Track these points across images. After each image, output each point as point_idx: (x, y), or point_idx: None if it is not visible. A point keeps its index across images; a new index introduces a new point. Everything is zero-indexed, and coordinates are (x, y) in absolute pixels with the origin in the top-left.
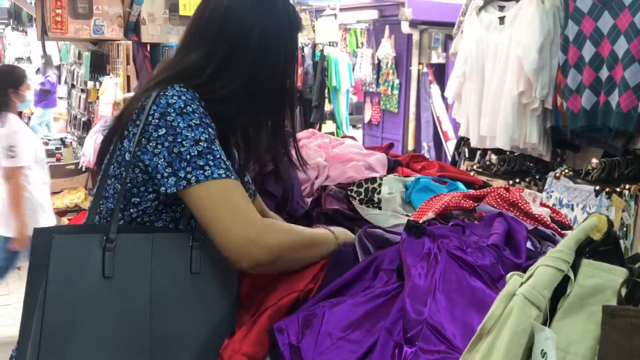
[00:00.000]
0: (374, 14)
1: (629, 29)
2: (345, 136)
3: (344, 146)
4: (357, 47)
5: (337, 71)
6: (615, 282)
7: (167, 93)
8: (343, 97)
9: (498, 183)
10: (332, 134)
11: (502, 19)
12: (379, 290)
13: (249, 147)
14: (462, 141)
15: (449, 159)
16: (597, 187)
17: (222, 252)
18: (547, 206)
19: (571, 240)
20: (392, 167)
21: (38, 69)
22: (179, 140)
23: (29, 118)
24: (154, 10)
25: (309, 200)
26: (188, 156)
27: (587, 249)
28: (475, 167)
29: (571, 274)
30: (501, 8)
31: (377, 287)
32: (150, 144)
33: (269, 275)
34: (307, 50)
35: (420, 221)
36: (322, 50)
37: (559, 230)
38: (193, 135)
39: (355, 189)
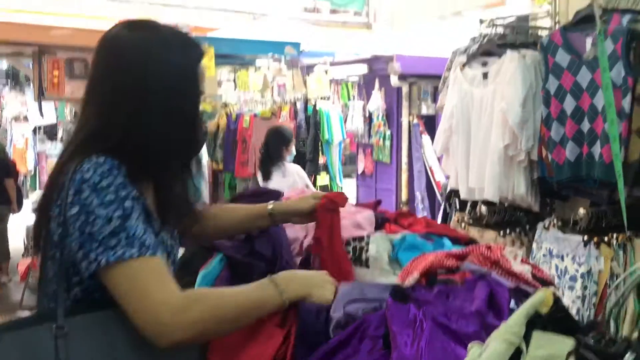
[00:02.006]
0: (363, 69)
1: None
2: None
3: None
4: (349, 99)
5: (329, 124)
6: (564, 352)
7: (82, 167)
8: (335, 150)
9: (489, 234)
10: (326, 186)
11: (485, 75)
12: None
13: (164, 204)
14: (452, 193)
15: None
16: (586, 237)
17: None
18: (529, 263)
19: (521, 315)
20: (380, 224)
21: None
22: (91, 219)
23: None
24: None
25: (298, 259)
26: (100, 236)
27: (540, 321)
28: (466, 218)
29: (523, 346)
30: (484, 64)
31: (363, 355)
32: (67, 224)
33: (235, 338)
34: (300, 105)
35: (406, 283)
36: (314, 105)
37: (541, 287)
38: (106, 213)
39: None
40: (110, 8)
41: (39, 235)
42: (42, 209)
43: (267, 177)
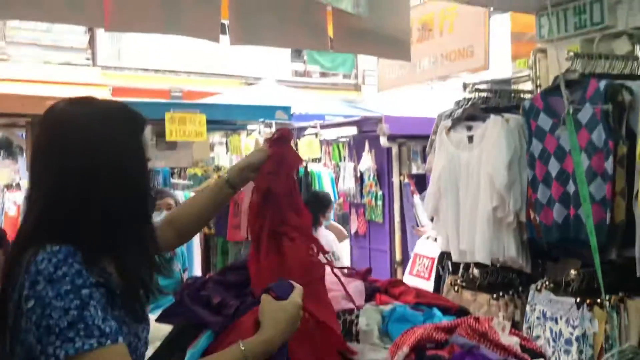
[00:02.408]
0: (353, 130)
1: (588, 146)
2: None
3: None
4: (340, 159)
5: (320, 186)
6: None
7: (37, 258)
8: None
9: (482, 297)
10: None
11: (470, 138)
12: None
13: (125, 278)
14: (445, 255)
15: None
16: (578, 300)
17: None
18: (517, 334)
19: None
20: (370, 294)
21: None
22: (47, 312)
23: None
24: None
25: None
26: (57, 329)
27: None
28: (459, 281)
29: None
30: (469, 128)
31: None
32: (23, 319)
33: None
34: None
35: (395, 358)
36: (305, 167)
37: (530, 359)
38: (62, 304)
39: None
40: (104, 77)
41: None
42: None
43: None
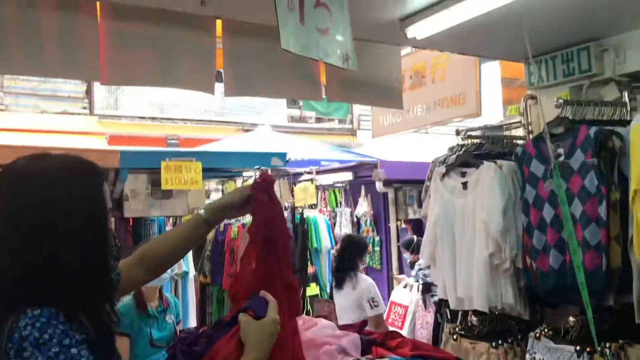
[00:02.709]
0: (349, 176)
1: (581, 192)
2: (318, 316)
3: (317, 328)
4: (337, 205)
5: (317, 232)
6: None
7: (20, 325)
8: (324, 258)
9: (481, 346)
10: (316, 296)
11: (465, 184)
12: None
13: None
14: (443, 303)
15: None
16: (578, 348)
17: None
18: None
19: None
20: (366, 347)
21: None
22: None
23: None
24: (137, 186)
25: None
26: None
27: None
28: (457, 329)
29: None
30: (463, 174)
31: None
32: None
33: None
34: (287, 214)
35: None
36: (301, 213)
37: None
38: None
39: None
40: (101, 125)
41: None
42: None
43: (339, 285)
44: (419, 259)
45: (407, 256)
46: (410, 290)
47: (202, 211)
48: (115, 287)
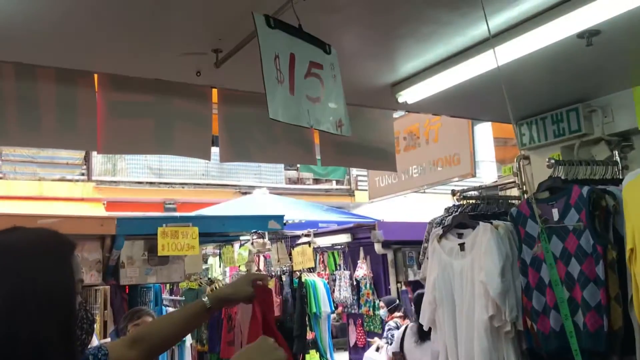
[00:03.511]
0: (347, 238)
1: (577, 252)
2: None
3: None
4: (335, 267)
5: (316, 296)
6: None
7: None
8: (324, 324)
9: None
10: None
11: (462, 245)
12: None
13: None
14: None
15: None
16: None
17: None
18: None
19: None
20: None
21: None
22: None
23: None
24: (133, 253)
25: None
26: None
27: None
28: None
29: None
30: (460, 235)
31: None
32: None
33: None
34: (285, 278)
35: None
36: (299, 277)
37: None
38: None
39: None
40: (98, 192)
41: None
42: None
43: (424, 339)
44: (393, 319)
45: (383, 313)
46: (382, 353)
47: (207, 300)
48: None
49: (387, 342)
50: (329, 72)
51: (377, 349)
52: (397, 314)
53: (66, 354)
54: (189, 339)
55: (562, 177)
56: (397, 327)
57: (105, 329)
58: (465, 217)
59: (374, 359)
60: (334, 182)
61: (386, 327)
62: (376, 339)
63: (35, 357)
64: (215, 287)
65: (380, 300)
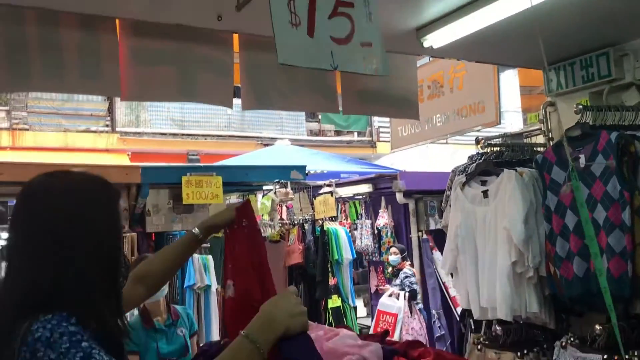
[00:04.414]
0: (369, 188)
1: (604, 197)
2: (339, 326)
3: (338, 338)
4: (357, 217)
5: (338, 244)
6: None
7: (32, 328)
8: (346, 270)
9: (507, 356)
10: (338, 308)
11: (485, 193)
12: None
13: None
14: (466, 313)
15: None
16: (606, 356)
17: None
18: None
19: None
20: (388, 357)
21: None
22: None
23: None
24: (159, 201)
25: None
26: None
27: None
28: (482, 339)
29: None
30: (483, 182)
31: None
32: None
33: None
34: (308, 227)
35: None
36: (322, 225)
37: None
38: None
39: None
40: (122, 143)
41: None
42: None
43: None
44: (404, 268)
45: (396, 259)
46: (398, 298)
47: (196, 230)
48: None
49: (402, 289)
50: (362, 9)
51: (390, 295)
52: (407, 262)
53: (110, 296)
54: (214, 284)
55: (590, 124)
56: (414, 275)
57: None
58: (489, 165)
59: (388, 304)
60: (356, 133)
61: (402, 275)
62: (387, 285)
63: (82, 297)
64: None
65: (393, 247)
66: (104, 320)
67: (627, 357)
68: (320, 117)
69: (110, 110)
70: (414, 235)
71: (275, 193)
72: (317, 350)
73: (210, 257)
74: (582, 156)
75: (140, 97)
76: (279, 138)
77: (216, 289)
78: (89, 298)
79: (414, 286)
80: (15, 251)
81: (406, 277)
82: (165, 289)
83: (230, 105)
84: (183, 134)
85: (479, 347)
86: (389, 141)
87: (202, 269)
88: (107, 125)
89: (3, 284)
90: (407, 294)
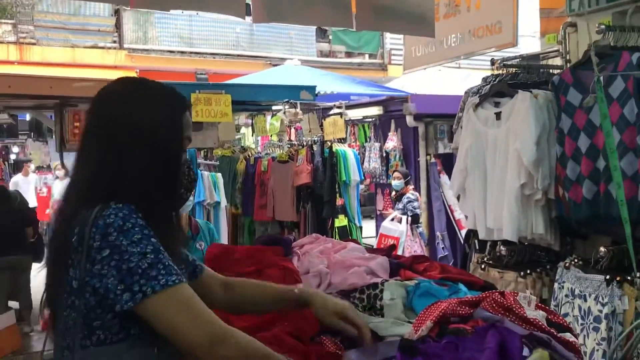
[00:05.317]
0: (379, 110)
1: (620, 121)
2: (347, 239)
3: (346, 251)
4: (366, 140)
5: (346, 166)
6: None
7: (104, 213)
8: (353, 191)
9: (509, 275)
10: (344, 227)
11: (498, 115)
12: None
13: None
14: (472, 233)
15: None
16: (608, 277)
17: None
18: (543, 308)
19: None
20: (395, 270)
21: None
22: (126, 257)
23: None
24: None
25: None
26: (139, 270)
27: None
28: (486, 259)
29: None
30: (496, 104)
31: None
32: (96, 266)
33: None
34: (317, 148)
35: (416, 336)
36: (330, 147)
37: (556, 333)
38: (139, 249)
39: (357, 295)
40: (130, 59)
41: (52, 285)
42: (54, 261)
43: None
44: (408, 192)
45: (399, 184)
46: (400, 222)
47: (299, 293)
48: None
49: (404, 213)
50: None
51: (393, 219)
52: (410, 186)
53: (167, 197)
54: (223, 201)
55: (611, 44)
56: (417, 199)
57: None
58: (504, 86)
59: (390, 228)
60: (367, 55)
61: (405, 199)
62: (391, 210)
63: (140, 192)
64: (248, 156)
65: (396, 171)
66: (159, 220)
67: (629, 278)
68: (331, 37)
69: (117, 26)
70: (422, 158)
71: (284, 113)
72: None
73: (219, 174)
74: (600, 77)
75: (150, 4)
76: (288, 58)
77: (225, 207)
78: (148, 195)
79: (417, 210)
80: (84, 149)
81: (409, 201)
82: (189, 203)
83: (242, 16)
84: (191, 52)
85: (483, 266)
86: (400, 64)
87: (212, 186)
88: (114, 42)
89: (72, 175)
90: (409, 218)
